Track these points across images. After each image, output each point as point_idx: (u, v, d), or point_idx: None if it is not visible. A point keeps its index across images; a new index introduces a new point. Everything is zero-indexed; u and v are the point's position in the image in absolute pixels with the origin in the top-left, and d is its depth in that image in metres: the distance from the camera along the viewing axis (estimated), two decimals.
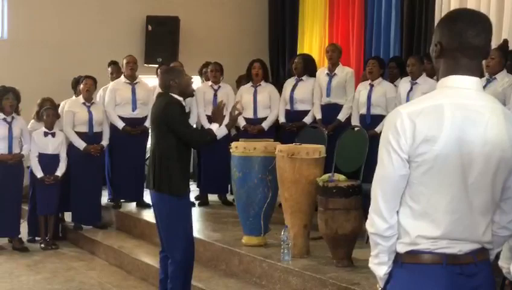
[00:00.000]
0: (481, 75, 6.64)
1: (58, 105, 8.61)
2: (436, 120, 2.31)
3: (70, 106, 8.47)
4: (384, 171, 2.38)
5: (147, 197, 8.61)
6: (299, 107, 8.36)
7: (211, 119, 8.35)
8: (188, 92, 5.59)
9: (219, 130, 5.49)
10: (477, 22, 2.41)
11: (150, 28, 11.35)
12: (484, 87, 6.62)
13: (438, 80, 2.47)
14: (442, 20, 2.50)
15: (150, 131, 5.67)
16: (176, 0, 11.49)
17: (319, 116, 8.18)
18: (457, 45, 2.39)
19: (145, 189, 8.73)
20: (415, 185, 2.36)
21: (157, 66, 9.78)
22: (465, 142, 2.32)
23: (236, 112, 5.75)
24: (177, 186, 5.30)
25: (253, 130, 8.39)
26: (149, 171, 5.44)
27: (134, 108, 8.59)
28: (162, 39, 11.25)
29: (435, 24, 2.53)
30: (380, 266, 2.47)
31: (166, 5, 11.32)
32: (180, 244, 5.28)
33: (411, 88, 7.40)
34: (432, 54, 2.48)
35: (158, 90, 8.64)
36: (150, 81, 9.49)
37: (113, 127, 8.57)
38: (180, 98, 5.42)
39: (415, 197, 2.37)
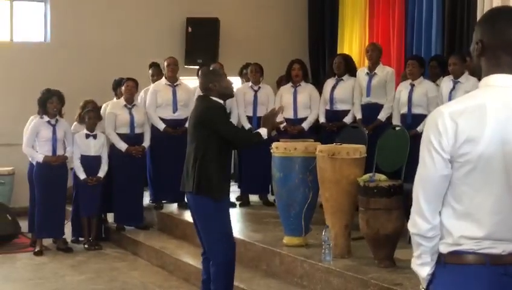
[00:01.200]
0: None
1: (100, 107, 8.71)
2: (479, 120, 2.29)
3: (112, 108, 8.57)
4: (425, 172, 2.36)
5: None
6: (339, 107, 8.35)
7: (251, 119, 8.53)
8: (228, 94, 5.60)
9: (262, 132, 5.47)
10: None
11: (190, 29, 11.43)
12: None
13: (479, 78, 2.45)
14: (483, 18, 2.47)
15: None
16: (216, 1, 11.54)
17: (359, 116, 8.15)
18: (499, 43, 2.36)
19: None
20: (457, 185, 2.34)
21: (197, 67, 9.83)
22: (508, 142, 2.29)
23: (279, 120, 5.75)
24: (217, 189, 5.31)
25: (293, 130, 8.39)
26: (186, 174, 5.42)
27: (175, 109, 8.65)
28: (202, 40, 11.32)
29: (477, 22, 2.50)
30: (422, 267, 2.45)
31: (205, 7, 11.38)
32: (220, 246, 5.29)
33: (453, 87, 7.32)
34: (473, 52, 2.46)
35: (199, 91, 8.74)
36: (191, 82, 9.55)
37: (154, 129, 8.64)
38: (221, 101, 5.45)
39: (457, 197, 2.35)
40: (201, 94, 5.65)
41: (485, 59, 2.42)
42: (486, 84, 2.40)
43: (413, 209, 2.42)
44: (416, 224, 2.40)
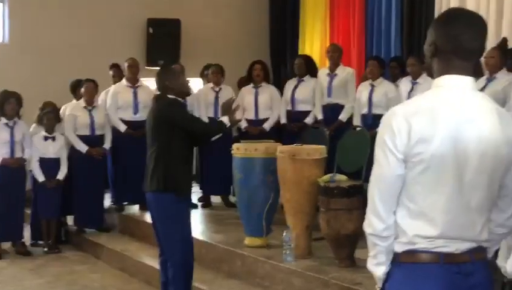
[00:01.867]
0: (476, 75, 6.70)
1: (60, 108, 8.63)
2: (431, 120, 2.31)
3: (72, 109, 8.48)
4: (380, 172, 2.38)
5: None
6: (301, 107, 8.38)
7: (212, 120, 8.52)
8: (184, 92, 5.57)
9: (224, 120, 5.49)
10: (473, 25, 2.40)
11: (151, 30, 11.36)
12: (484, 86, 6.62)
13: (433, 78, 2.47)
14: (437, 21, 2.49)
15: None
16: (177, 2, 11.49)
17: (320, 116, 8.19)
18: (452, 47, 2.39)
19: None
20: (411, 185, 2.36)
21: (159, 68, 9.77)
22: (460, 141, 2.32)
23: (237, 118, 5.76)
24: (180, 186, 5.31)
25: (254, 131, 8.40)
26: (147, 173, 5.40)
27: (136, 111, 8.59)
28: (163, 42, 11.27)
29: (431, 23, 2.51)
30: (378, 267, 2.47)
31: (167, 8, 11.33)
32: (179, 247, 5.28)
33: (412, 88, 7.40)
34: (426, 53, 2.48)
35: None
36: (152, 84, 9.46)
37: (115, 130, 8.58)
38: (179, 99, 5.44)
39: (411, 197, 2.37)
40: (157, 94, 5.63)
41: (437, 61, 2.44)
42: (438, 85, 2.43)
43: (368, 210, 2.44)
44: (371, 224, 2.42)
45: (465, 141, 2.33)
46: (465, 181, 2.35)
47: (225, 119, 5.47)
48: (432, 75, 2.48)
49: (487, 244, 2.47)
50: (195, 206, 8.43)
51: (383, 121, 2.40)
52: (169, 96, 5.37)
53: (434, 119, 2.31)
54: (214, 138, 5.67)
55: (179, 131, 5.26)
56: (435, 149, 2.30)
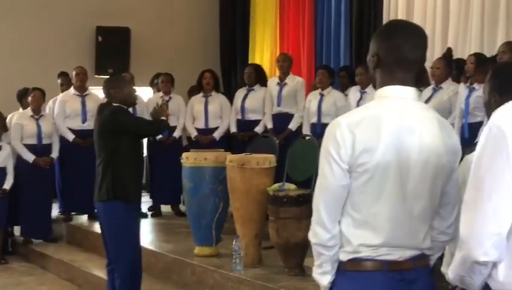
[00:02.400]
0: (423, 85, 6.81)
1: (6, 117, 8.48)
2: (375, 130, 2.34)
3: (18, 118, 8.35)
4: (325, 182, 2.40)
5: None
6: (250, 116, 8.40)
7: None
8: (130, 102, 5.59)
9: None
10: (414, 36, 2.45)
11: (100, 38, 11.26)
12: (430, 96, 6.75)
13: (375, 89, 2.51)
14: (380, 32, 2.53)
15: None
16: (127, 10, 11.40)
17: (270, 125, 8.22)
18: (394, 58, 2.42)
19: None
20: (355, 194, 2.38)
21: (108, 77, 9.70)
22: (403, 151, 2.36)
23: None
24: (129, 194, 5.30)
25: (204, 140, 8.39)
26: (96, 183, 5.38)
27: (84, 120, 8.50)
28: (112, 50, 11.18)
29: (374, 34, 2.55)
30: (323, 276, 2.48)
31: (116, 16, 11.24)
32: (127, 255, 5.26)
33: (361, 97, 7.49)
34: (369, 64, 2.51)
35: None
36: (101, 92, 9.39)
37: (63, 140, 8.47)
38: (124, 107, 5.45)
39: (356, 206, 2.39)
40: (102, 102, 5.63)
41: (380, 72, 2.47)
42: (381, 96, 2.46)
43: (313, 220, 2.45)
44: (316, 234, 2.43)
45: (408, 150, 2.36)
46: (408, 190, 2.38)
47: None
48: (375, 86, 2.52)
49: (430, 251, 2.51)
50: (145, 215, 8.38)
51: (327, 131, 2.42)
52: (114, 104, 5.36)
53: (377, 130, 2.34)
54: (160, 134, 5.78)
55: (125, 138, 5.28)
56: (379, 159, 2.33)
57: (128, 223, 5.31)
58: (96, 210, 5.58)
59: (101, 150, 5.36)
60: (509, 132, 1.97)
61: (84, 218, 8.65)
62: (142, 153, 5.63)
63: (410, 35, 2.44)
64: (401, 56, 2.41)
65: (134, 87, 5.98)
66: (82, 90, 8.61)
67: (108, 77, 5.88)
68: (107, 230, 5.38)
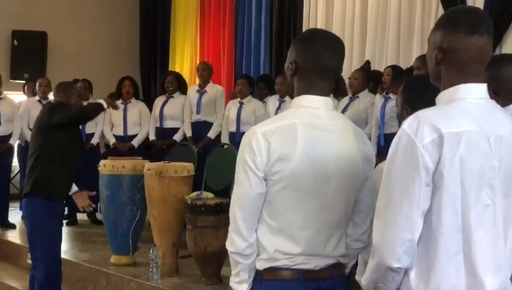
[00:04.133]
0: (342, 94, 6.93)
1: None
2: (290, 139, 2.36)
3: None
4: (242, 191, 2.40)
5: (12, 217, 8.38)
6: (169, 124, 8.34)
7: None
8: None
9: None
10: (332, 45, 2.48)
11: (16, 42, 11.00)
12: (347, 105, 6.87)
13: (291, 97, 2.54)
14: (298, 39, 2.55)
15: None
16: (43, 14, 11.16)
17: (189, 133, 8.19)
18: (312, 65, 2.44)
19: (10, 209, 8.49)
20: (271, 202, 2.39)
21: (23, 82, 9.52)
22: (319, 160, 2.38)
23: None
24: (56, 189, 5.26)
25: (123, 147, 8.30)
26: (26, 179, 5.33)
27: None
28: (29, 54, 10.92)
29: (292, 41, 2.58)
30: (240, 284, 2.49)
31: (33, 20, 10.99)
32: (45, 258, 5.21)
33: (279, 106, 7.55)
34: (287, 71, 2.53)
35: (24, 106, 8.45)
36: (16, 97, 9.20)
37: None
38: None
39: (272, 214, 2.40)
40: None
41: (297, 79, 2.49)
42: (297, 105, 2.48)
43: (230, 228, 2.45)
44: (234, 242, 2.43)
45: (324, 160, 2.39)
46: (326, 200, 2.41)
47: (102, 101, 5.72)
48: (292, 94, 2.54)
49: (344, 260, 2.54)
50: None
51: (243, 140, 2.42)
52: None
53: (292, 139, 2.36)
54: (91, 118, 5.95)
55: (52, 133, 5.25)
56: (294, 168, 2.35)
57: (55, 221, 5.30)
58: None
59: (32, 147, 5.37)
60: (419, 139, 2.03)
61: None
62: (78, 154, 5.52)
63: (329, 43, 2.47)
64: (319, 64, 2.43)
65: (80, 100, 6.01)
66: None
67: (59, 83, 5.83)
68: (31, 228, 5.30)
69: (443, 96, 2.17)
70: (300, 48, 2.49)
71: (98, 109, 5.76)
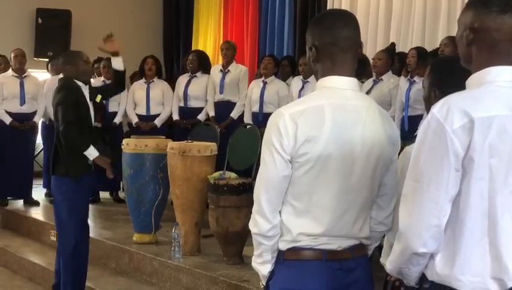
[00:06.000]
0: (366, 76, 6.89)
1: None
2: (317, 120, 2.35)
3: None
4: (267, 173, 2.39)
5: (35, 194, 8.45)
6: (193, 104, 8.34)
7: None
8: (82, 79, 5.52)
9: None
10: (343, 16, 2.49)
11: (40, 21, 11.04)
12: (371, 88, 6.82)
13: (317, 79, 2.52)
14: (310, 24, 2.54)
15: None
16: None
17: (212, 113, 8.18)
18: (329, 39, 2.43)
19: (34, 186, 8.56)
20: (297, 184, 2.39)
21: (47, 60, 9.55)
22: (346, 142, 2.37)
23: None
24: (79, 167, 5.31)
25: (145, 127, 8.31)
26: (55, 158, 5.39)
27: (22, 102, 8.34)
28: (53, 33, 10.96)
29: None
30: (263, 265, 2.49)
31: None
32: (78, 229, 5.33)
33: (303, 86, 7.52)
34: (309, 60, 2.52)
35: (48, 84, 8.48)
36: (40, 75, 9.25)
37: None
38: (80, 83, 5.43)
39: (297, 196, 2.40)
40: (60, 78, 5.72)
41: (320, 63, 2.47)
42: (323, 86, 2.47)
43: (254, 210, 2.45)
44: (257, 224, 2.43)
45: (351, 142, 2.38)
46: (351, 182, 2.40)
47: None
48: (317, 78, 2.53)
49: (367, 241, 2.54)
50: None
51: (270, 121, 2.41)
52: (68, 79, 5.43)
53: (320, 120, 2.35)
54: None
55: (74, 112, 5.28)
56: (321, 149, 2.34)
57: (84, 195, 5.41)
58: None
59: (56, 123, 5.38)
60: (448, 124, 2.00)
61: (19, 203, 8.48)
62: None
63: (340, 15, 2.49)
64: (335, 34, 2.42)
65: (91, 68, 5.96)
66: (20, 72, 8.44)
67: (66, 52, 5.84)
68: (55, 202, 5.39)
69: (473, 79, 2.13)
70: (314, 29, 2.48)
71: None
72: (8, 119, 8.24)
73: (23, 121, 8.29)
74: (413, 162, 2.10)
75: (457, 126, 1.99)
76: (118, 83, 5.92)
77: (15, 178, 8.30)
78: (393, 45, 7.43)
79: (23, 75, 8.43)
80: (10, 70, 8.49)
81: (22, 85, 8.35)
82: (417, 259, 2.11)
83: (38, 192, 8.71)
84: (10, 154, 8.26)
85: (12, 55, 8.49)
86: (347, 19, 2.46)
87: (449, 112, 2.00)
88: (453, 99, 2.04)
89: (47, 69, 9.45)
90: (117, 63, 5.80)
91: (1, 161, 8.39)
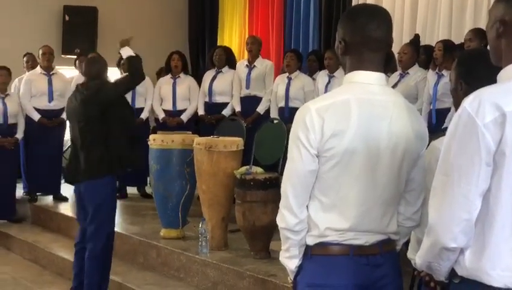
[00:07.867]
0: (391, 70, 6.84)
1: None
2: (344, 115, 2.34)
3: None
4: (294, 167, 2.39)
5: (64, 190, 8.52)
6: (218, 99, 8.35)
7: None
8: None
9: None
10: (377, 15, 2.46)
11: (67, 18, 11.12)
12: (397, 82, 6.78)
13: (345, 73, 2.52)
14: (343, 17, 2.54)
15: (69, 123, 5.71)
16: None
17: (238, 108, 8.19)
18: (360, 39, 2.42)
19: (63, 183, 8.62)
20: (324, 179, 2.39)
21: (75, 57, 9.63)
22: (372, 137, 2.37)
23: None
24: (115, 166, 5.37)
25: (172, 122, 8.34)
26: (76, 163, 5.39)
27: (50, 99, 8.43)
28: (80, 30, 11.04)
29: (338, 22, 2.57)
30: (291, 260, 2.49)
31: None
32: (109, 227, 5.39)
33: (329, 81, 7.50)
34: (337, 51, 2.52)
35: (76, 81, 8.54)
36: (68, 72, 9.32)
37: (28, 119, 8.37)
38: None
39: (324, 190, 2.40)
40: (82, 82, 5.67)
41: (348, 56, 2.48)
42: (350, 81, 2.46)
43: (281, 204, 2.46)
44: (284, 218, 2.44)
45: (377, 137, 2.37)
46: (377, 176, 2.40)
47: (128, 51, 5.69)
48: (345, 71, 2.53)
49: (395, 236, 2.53)
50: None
51: (296, 116, 2.41)
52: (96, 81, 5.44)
53: (346, 115, 2.34)
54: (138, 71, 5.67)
55: (112, 109, 5.32)
56: (347, 144, 2.34)
57: (113, 197, 5.49)
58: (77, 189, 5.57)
59: (85, 127, 5.34)
60: (480, 118, 1.98)
61: (49, 199, 8.57)
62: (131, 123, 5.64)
63: (374, 14, 2.46)
64: (367, 35, 2.41)
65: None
66: (48, 69, 8.52)
67: (87, 57, 5.85)
68: (92, 207, 5.34)
69: (504, 72, 2.10)
70: (346, 24, 2.48)
71: (137, 65, 5.65)
72: (36, 116, 8.33)
73: (52, 117, 8.37)
74: (444, 156, 2.08)
75: (488, 120, 1.97)
76: (131, 71, 5.69)
77: (44, 174, 8.38)
78: (417, 36, 7.36)
79: (51, 73, 8.51)
80: (38, 67, 8.57)
81: (50, 82, 8.43)
82: (447, 254, 2.09)
83: (67, 188, 8.76)
84: (39, 150, 8.34)
85: (40, 52, 8.56)
86: (380, 20, 2.44)
87: (480, 105, 1.98)
88: (485, 93, 2.01)
89: (74, 65, 9.51)
90: (126, 51, 5.72)
91: (30, 157, 8.50)
